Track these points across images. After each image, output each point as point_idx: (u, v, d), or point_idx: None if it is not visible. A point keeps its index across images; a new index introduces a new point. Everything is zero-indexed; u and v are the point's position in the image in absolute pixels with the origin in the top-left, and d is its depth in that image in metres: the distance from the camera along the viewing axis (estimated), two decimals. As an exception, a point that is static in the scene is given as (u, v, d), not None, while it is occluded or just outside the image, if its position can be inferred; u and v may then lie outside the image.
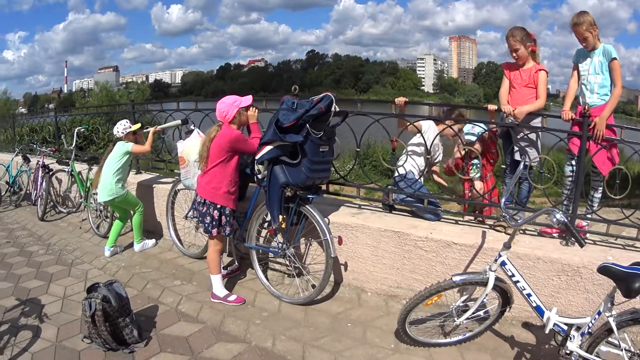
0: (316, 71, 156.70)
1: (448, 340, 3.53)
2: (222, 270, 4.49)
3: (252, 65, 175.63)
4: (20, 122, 12.81)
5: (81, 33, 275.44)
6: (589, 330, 2.88)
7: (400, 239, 4.03)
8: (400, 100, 4.53)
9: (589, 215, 4.20)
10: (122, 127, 5.64)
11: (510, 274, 3.17)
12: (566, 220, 2.86)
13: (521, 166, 3.68)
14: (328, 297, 4.24)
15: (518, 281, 3.15)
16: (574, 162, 4.11)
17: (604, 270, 2.78)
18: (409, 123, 4.46)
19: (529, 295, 3.12)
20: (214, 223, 4.14)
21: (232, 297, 4.26)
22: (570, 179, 4.18)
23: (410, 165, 4.66)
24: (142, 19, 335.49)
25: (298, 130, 3.80)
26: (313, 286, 4.13)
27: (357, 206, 4.68)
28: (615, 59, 4.05)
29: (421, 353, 3.41)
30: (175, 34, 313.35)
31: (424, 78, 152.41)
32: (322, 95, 3.87)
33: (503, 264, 3.17)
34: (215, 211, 4.14)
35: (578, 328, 2.95)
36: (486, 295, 3.21)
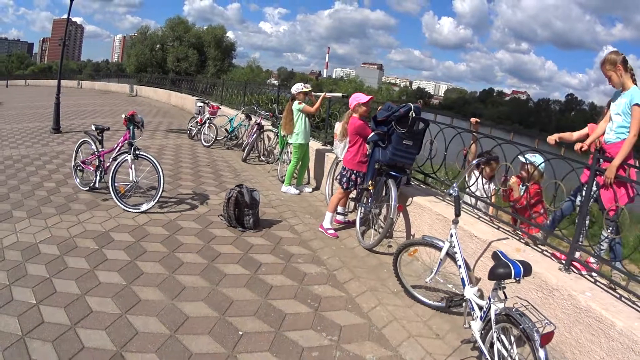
0: (572, 116, 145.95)
1: (424, 299, 4.37)
2: (338, 216, 6.28)
3: (515, 95, 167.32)
4: (250, 90, 15.97)
5: (348, 24, 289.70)
6: (484, 316, 3.28)
7: (447, 223, 4.97)
8: (473, 119, 5.68)
9: (596, 251, 4.05)
10: (296, 87, 7.63)
11: (453, 245, 3.92)
12: (456, 194, 3.88)
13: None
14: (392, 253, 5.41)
15: (456, 252, 3.87)
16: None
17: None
18: (477, 138, 5.44)
19: (459, 266, 3.79)
20: (350, 183, 5.90)
21: (331, 231, 5.98)
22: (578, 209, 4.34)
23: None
24: (412, 24, 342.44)
25: (387, 124, 5.41)
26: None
27: (442, 198, 5.77)
28: (637, 104, 4.00)
29: (405, 302, 4.39)
30: (445, 47, 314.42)
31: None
32: (405, 104, 5.40)
33: (451, 235, 3.95)
34: (353, 175, 5.88)
35: (481, 309, 3.38)
36: (441, 259, 4.07)
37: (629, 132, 4.10)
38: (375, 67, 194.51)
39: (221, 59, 61.92)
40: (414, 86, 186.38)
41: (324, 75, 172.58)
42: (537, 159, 4.87)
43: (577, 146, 4.42)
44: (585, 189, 4.04)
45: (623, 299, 3.55)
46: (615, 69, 4.14)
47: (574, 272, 3.94)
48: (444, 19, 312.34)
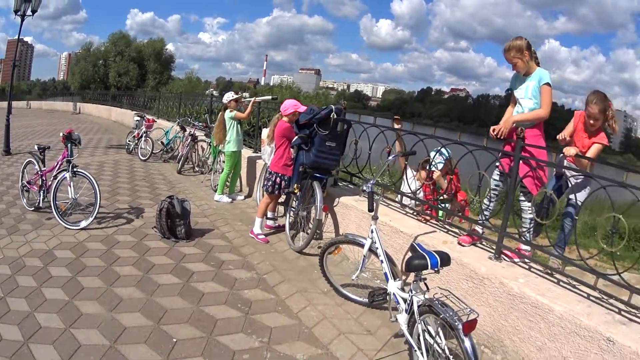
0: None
1: (354, 296, 4.48)
2: (268, 221, 6.37)
3: (453, 93, 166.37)
4: (185, 101, 16.04)
5: (286, 31, 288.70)
6: (408, 308, 3.31)
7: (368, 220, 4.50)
8: (395, 117, 5.91)
9: (524, 238, 4.13)
10: (227, 96, 7.80)
11: (374, 240, 3.95)
12: (369, 190, 3.93)
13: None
14: (324, 254, 5.75)
15: (377, 248, 3.90)
16: (497, 178, 4.33)
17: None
18: (399, 135, 5.63)
19: (382, 261, 3.83)
20: (275, 186, 5.93)
21: (261, 237, 6.07)
22: (494, 192, 4.37)
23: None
24: (350, 27, 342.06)
25: (309, 127, 5.59)
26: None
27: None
28: (547, 83, 4.05)
29: (335, 301, 4.52)
30: (383, 49, 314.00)
31: (612, 134, 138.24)
32: (327, 106, 5.60)
33: (372, 231, 3.99)
34: (278, 178, 5.93)
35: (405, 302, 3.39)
36: (364, 256, 4.10)
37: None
38: (313, 72, 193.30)
39: (160, 71, 61.46)
40: (352, 89, 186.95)
41: (262, 83, 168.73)
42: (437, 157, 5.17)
43: (492, 132, 4.31)
44: (509, 176, 4.15)
45: (562, 283, 3.62)
46: (522, 55, 4.10)
47: (506, 260, 4.04)
48: (382, 21, 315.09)
